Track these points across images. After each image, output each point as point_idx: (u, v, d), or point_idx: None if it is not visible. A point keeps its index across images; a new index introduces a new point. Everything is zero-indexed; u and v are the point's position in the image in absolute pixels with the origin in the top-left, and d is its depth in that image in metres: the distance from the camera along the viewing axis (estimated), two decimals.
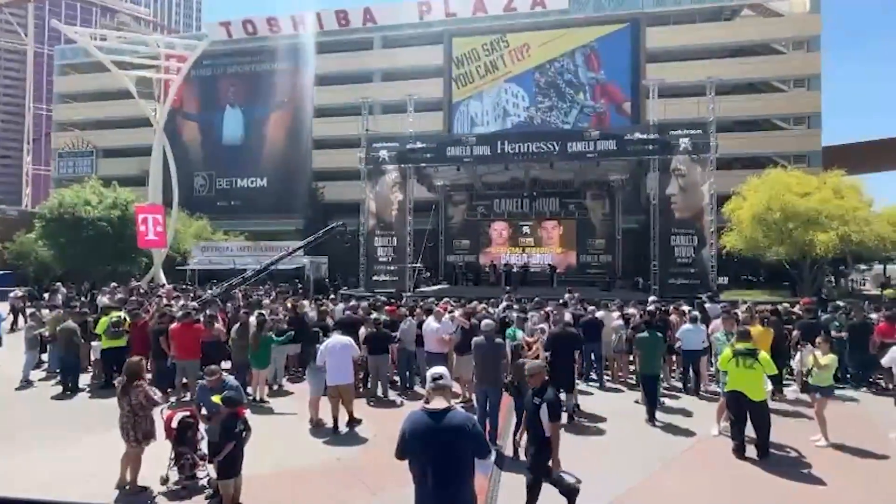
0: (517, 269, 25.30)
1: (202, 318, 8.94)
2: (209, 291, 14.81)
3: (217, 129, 39.29)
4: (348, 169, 29.63)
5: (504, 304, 11.60)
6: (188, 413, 5.40)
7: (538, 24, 34.43)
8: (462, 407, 7.17)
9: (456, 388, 7.79)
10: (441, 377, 3.29)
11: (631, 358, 9.59)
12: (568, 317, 8.90)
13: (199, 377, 8.55)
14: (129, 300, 11.90)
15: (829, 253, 19.81)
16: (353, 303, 11.77)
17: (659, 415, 7.50)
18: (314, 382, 7.35)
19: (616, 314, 10.07)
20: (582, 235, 28.21)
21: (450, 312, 9.14)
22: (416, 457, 3.06)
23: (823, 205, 19.64)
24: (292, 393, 8.98)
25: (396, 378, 9.40)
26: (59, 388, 8.97)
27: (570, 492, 4.58)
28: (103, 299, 13.15)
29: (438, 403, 3.16)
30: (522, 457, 5.90)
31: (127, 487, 5.13)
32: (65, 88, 44.89)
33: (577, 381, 7.86)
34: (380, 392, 8.65)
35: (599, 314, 9.84)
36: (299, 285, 19.92)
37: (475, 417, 4.67)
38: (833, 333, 9.00)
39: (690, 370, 9.02)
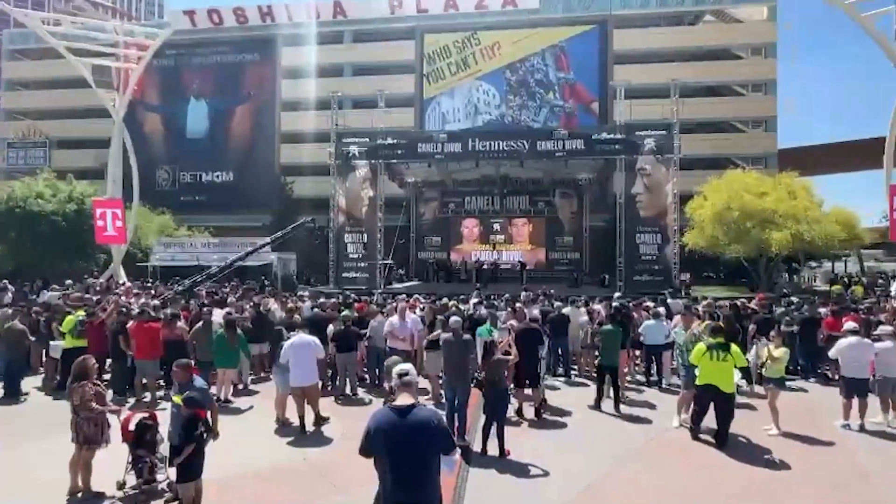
0: (487, 266, 25.51)
1: (162, 317, 8.66)
2: (173, 289, 14.36)
3: (181, 122, 37.98)
4: (317, 164, 29.19)
5: (474, 300, 11.67)
6: (147, 415, 5.24)
7: (509, 23, 34.64)
8: (432, 404, 7.21)
9: (424, 384, 7.81)
10: (407, 373, 3.29)
11: (597, 353, 9.79)
12: (536, 313, 9.02)
13: (157, 377, 8.32)
14: (84, 297, 11.41)
15: (783, 251, 20.69)
16: (321, 300, 11.62)
17: (623, 407, 7.74)
18: (280, 381, 7.23)
19: (583, 310, 10.28)
20: (551, 233, 28.69)
21: (421, 309, 9.11)
22: (382, 454, 3.05)
23: (778, 205, 20.41)
24: (258, 392, 8.82)
25: (366, 375, 9.36)
26: (1, 392, 8.47)
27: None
28: (52, 295, 12.53)
29: (404, 400, 3.16)
30: (490, 452, 5.98)
31: (79, 494, 4.94)
32: (14, 75, 42.47)
33: (545, 375, 7.99)
34: (348, 390, 8.59)
35: (566, 310, 10.05)
36: (266, 282, 19.50)
37: (441, 413, 4.69)
38: (783, 328, 9.41)
39: (653, 364, 9.31)
